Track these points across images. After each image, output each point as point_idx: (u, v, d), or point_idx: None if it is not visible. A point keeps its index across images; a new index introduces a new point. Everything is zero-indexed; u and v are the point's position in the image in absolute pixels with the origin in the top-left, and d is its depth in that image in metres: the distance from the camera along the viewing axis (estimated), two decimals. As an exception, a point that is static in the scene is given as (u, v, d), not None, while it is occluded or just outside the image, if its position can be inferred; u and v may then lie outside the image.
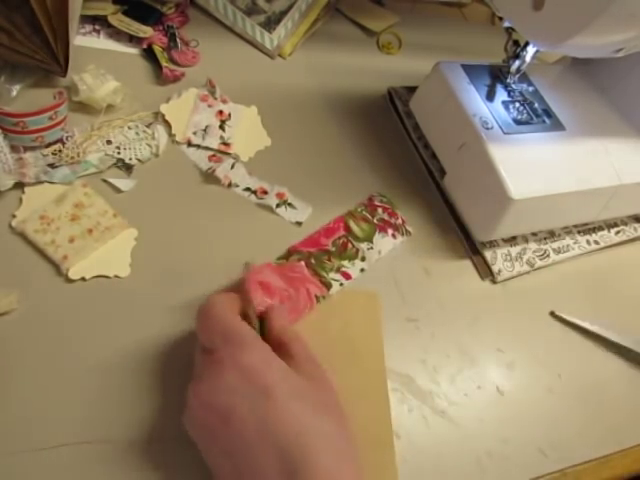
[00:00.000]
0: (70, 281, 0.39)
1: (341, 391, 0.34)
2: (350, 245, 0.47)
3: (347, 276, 0.45)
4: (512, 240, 0.52)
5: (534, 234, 0.53)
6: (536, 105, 0.53)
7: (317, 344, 0.36)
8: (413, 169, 0.55)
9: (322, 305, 0.42)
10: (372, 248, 0.47)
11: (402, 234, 0.49)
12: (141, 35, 0.54)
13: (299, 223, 0.47)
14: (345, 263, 0.46)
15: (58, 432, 0.34)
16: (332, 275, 0.44)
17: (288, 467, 0.28)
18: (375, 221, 0.49)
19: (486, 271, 0.50)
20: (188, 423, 0.32)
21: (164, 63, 0.53)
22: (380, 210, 0.50)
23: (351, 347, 0.41)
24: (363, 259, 0.46)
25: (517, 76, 0.53)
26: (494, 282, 0.50)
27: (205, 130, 0.50)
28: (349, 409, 0.33)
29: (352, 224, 0.48)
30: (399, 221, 0.50)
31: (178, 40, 0.55)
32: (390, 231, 0.49)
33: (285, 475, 0.28)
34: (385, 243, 0.48)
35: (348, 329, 0.42)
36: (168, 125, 0.50)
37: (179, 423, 0.35)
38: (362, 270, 0.46)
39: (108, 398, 0.36)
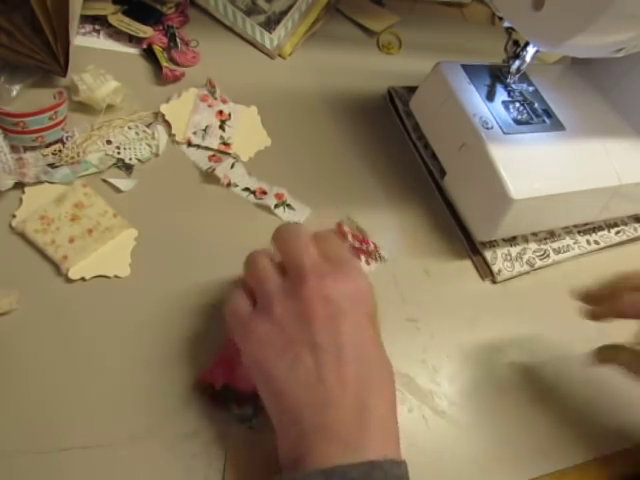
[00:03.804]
0: (70, 281, 0.39)
1: None
2: None
3: None
4: (512, 240, 0.52)
5: (534, 234, 0.53)
6: (536, 105, 0.52)
7: None
8: (413, 169, 0.55)
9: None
10: None
11: (376, 260, 0.46)
12: (141, 35, 0.54)
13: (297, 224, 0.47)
14: None
15: (57, 433, 0.34)
16: None
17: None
18: None
19: (486, 271, 0.50)
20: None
21: (164, 63, 0.53)
22: (350, 237, 0.46)
23: None
24: None
25: (517, 76, 0.53)
26: (494, 282, 0.50)
27: (205, 130, 0.50)
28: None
29: None
30: (371, 247, 0.47)
31: (178, 40, 0.55)
32: (363, 257, 0.46)
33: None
34: None
35: None
36: (168, 125, 0.50)
37: (180, 425, 0.35)
38: None
39: (108, 399, 0.36)
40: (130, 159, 0.46)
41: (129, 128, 0.48)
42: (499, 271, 0.50)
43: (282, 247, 0.35)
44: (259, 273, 0.34)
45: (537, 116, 0.52)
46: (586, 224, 0.55)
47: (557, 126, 0.52)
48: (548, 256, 0.52)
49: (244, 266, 0.35)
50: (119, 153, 0.46)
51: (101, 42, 0.54)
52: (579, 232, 0.55)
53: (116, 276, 0.40)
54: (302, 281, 0.32)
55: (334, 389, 0.30)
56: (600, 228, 0.56)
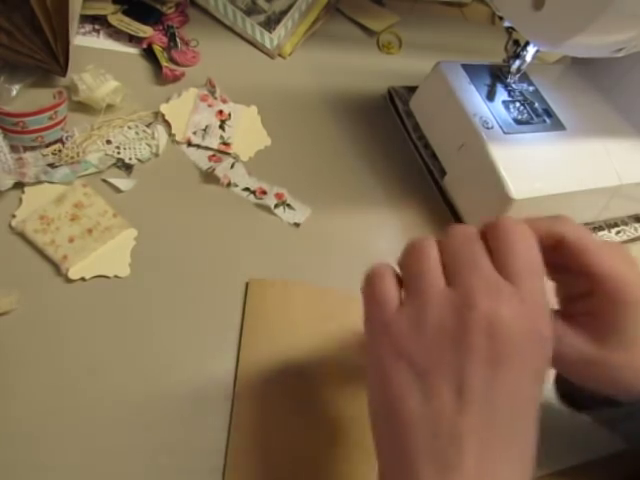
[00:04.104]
0: (70, 281, 0.39)
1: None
2: None
3: None
4: (512, 240, 0.52)
5: (534, 234, 0.53)
6: (536, 105, 0.52)
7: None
8: (413, 169, 0.55)
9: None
10: None
11: None
12: (141, 35, 0.54)
13: (297, 224, 0.47)
14: None
15: (57, 434, 0.34)
16: None
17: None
18: None
19: (486, 271, 0.50)
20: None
21: (164, 63, 0.53)
22: None
23: None
24: None
25: (517, 76, 0.53)
26: (494, 282, 0.50)
27: (205, 130, 0.50)
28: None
29: None
30: None
31: (178, 40, 0.55)
32: None
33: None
34: None
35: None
36: (168, 125, 0.49)
37: (178, 423, 0.35)
38: None
39: (108, 399, 0.36)
40: (130, 159, 0.46)
41: (129, 128, 0.48)
42: (499, 271, 0.49)
43: (450, 252, 0.28)
44: (421, 267, 0.28)
45: (537, 116, 0.52)
46: (586, 224, 0.55)
47: (557, 126, 0.52)
48: (548, 256, 0.52)
49: (403, 252, 0.29)
50: (119, 153, 0.46)
51: (101, 42, 0.54)
52: (579, 232, 0.55)
53: (116, 276, 0.40)
54: (469, 304, 0.26)
55: (467, 450, 0.24)
56: (600, 228, 0.56)
